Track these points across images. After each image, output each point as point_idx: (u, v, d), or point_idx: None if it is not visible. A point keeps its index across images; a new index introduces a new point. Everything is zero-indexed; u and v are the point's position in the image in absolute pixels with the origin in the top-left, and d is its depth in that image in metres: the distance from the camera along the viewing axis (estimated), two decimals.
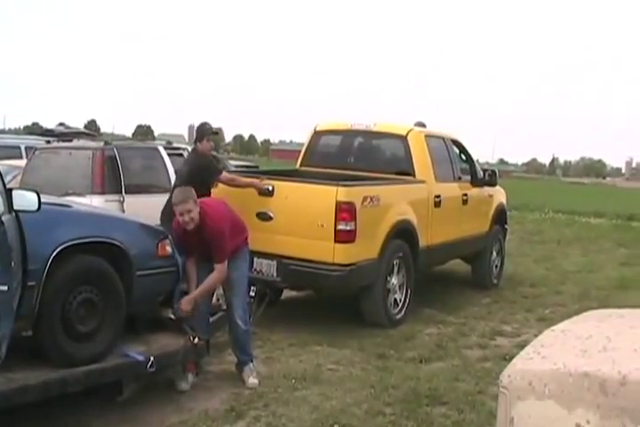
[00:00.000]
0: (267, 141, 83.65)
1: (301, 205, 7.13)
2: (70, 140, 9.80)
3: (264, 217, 7.16)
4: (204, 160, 7.41)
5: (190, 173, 7.19)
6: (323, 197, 6.99)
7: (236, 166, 14.36)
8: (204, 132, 7.58)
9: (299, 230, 7.08)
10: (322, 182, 7.21)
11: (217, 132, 8.18)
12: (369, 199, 7.18)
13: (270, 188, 7.27)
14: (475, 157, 10.04)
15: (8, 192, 4.03)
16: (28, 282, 4.11)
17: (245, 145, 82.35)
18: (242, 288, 5.73)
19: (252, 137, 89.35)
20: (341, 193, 6.92)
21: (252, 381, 5.64)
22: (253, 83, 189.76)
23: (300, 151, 9.45)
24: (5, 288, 3.84)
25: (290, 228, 7.12)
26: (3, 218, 3.89)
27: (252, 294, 6.31)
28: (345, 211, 6.90)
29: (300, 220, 7.08)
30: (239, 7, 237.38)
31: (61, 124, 12.86)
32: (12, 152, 10.93)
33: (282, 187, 7.28)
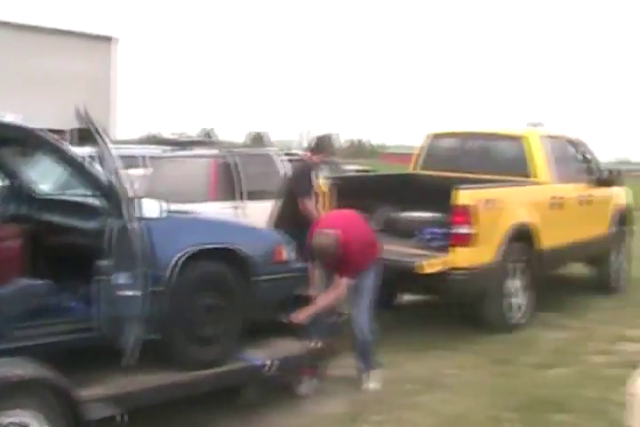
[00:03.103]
0: (381, 146, 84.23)
1: None
2: (189, 149, 10.01)
3: None
4: (306, 175, 7.38)
5: (290, 185, 7.33)
6: None
7: (351, 171, 14.48)
8: (325, 146, 7.63)
9: None
10: None
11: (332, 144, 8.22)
12: (489, 202, 7.10)
13: None
14: (597, 157, 9.72)
15: (134, 201, 4.20)
16: (157, 288, 4.26)
17: (358, 148, 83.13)
18: (366, 298, 5.63)
19: (362, 141, 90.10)
20: (463, 196, 6.88)
21: (371, 385, 5.65)
22: (365, 85, 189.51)
23: (412, 155, 9.40)
24: (138, 293, 4.02)
25: None
26: (130, 225, 4.07)
27: None
28: (466, 214, 6.86)
29: None
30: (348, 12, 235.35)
31: (174, 134, 13.19)
32: (130, 161, 11.08)
33: None
